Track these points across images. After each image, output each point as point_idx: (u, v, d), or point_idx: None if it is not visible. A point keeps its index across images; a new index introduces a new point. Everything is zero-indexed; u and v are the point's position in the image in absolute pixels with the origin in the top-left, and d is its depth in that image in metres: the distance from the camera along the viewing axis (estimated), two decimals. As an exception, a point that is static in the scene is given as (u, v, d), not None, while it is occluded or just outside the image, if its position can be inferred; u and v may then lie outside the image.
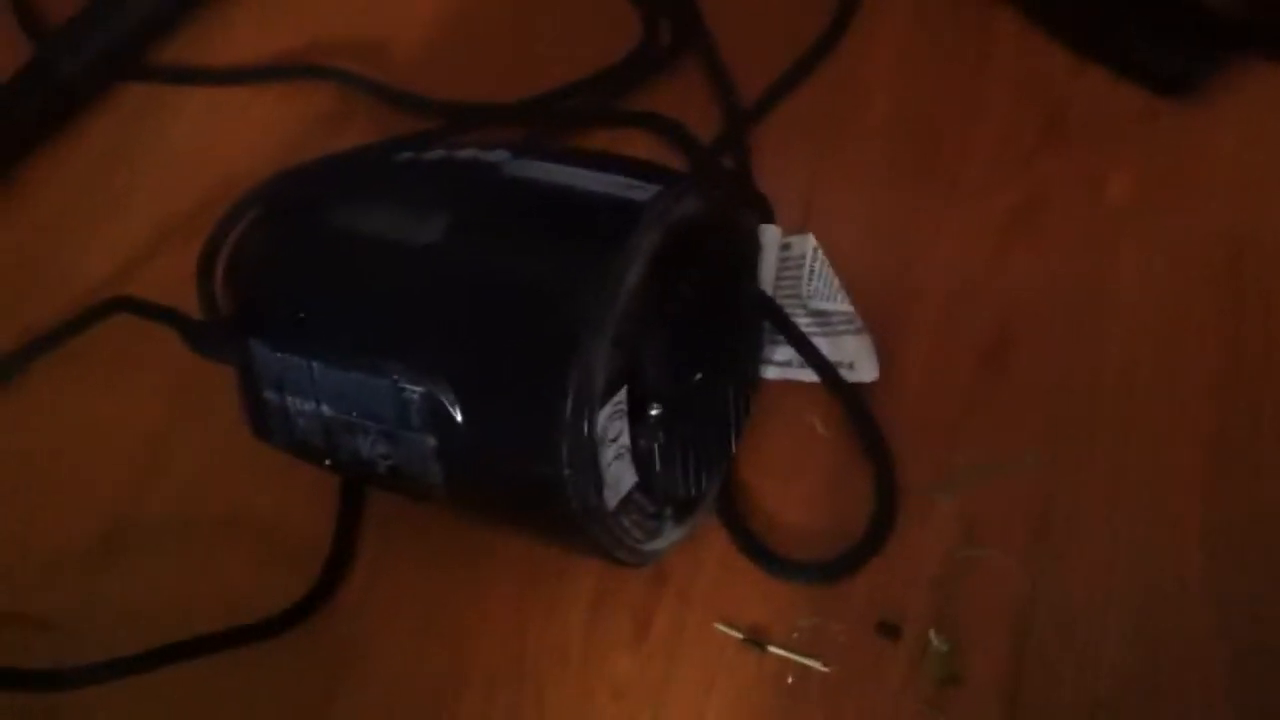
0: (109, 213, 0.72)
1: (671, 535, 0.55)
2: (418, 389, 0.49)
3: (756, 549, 0.56)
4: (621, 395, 0.50)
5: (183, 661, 0.54)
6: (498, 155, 0.54)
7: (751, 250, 0.59)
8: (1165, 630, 0.53)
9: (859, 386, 0.59)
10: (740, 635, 0.54)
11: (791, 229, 0.63)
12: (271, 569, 0.58)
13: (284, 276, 0.54)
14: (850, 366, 0.59)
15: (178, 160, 0.73)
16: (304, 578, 0.57)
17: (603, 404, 0.49)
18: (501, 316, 0.49)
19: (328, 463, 0.54)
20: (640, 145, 0.70)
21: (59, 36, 0.75)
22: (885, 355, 0.60)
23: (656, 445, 0.52)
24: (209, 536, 0.60)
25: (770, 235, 0.62)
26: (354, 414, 0.51)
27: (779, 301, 0.60)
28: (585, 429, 0.48)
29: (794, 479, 0.58)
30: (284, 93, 0.76)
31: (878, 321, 0.61)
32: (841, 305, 0.60)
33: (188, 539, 0.60)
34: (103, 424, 0.64)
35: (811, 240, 0.62)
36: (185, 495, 0.61)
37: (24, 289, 0.69)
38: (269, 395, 0.53)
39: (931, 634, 0.53)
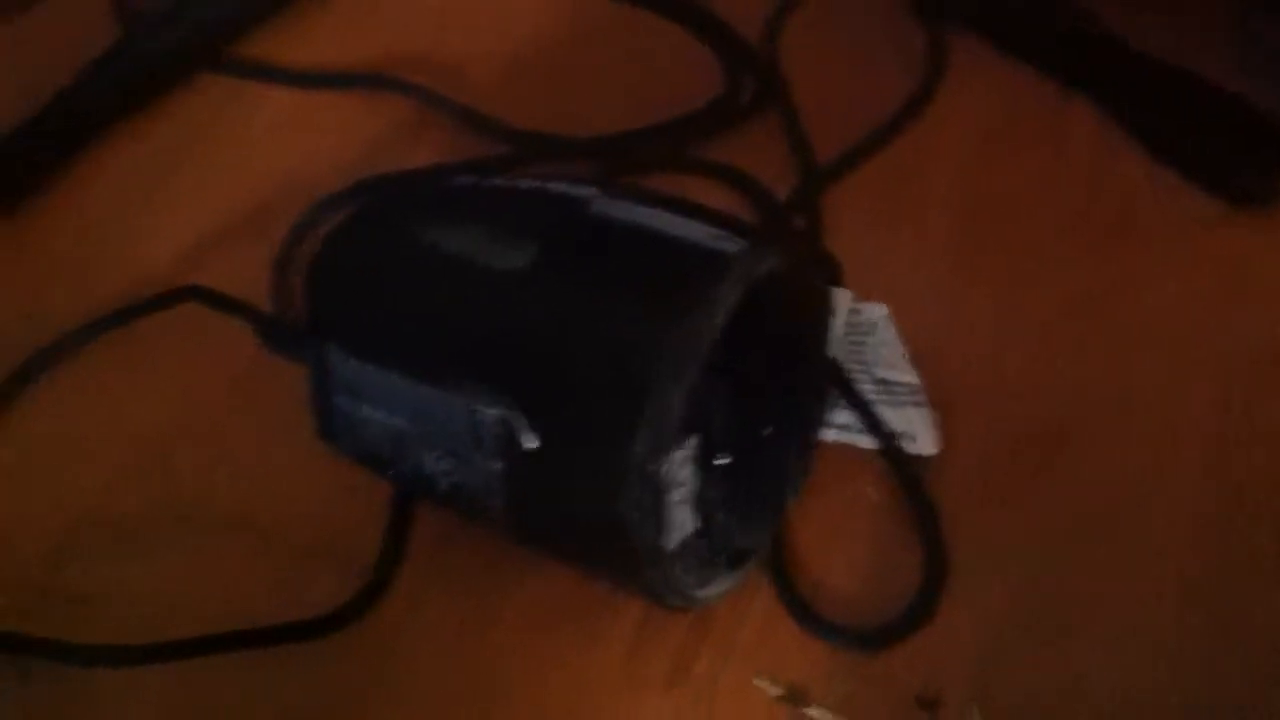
0: (177, 200, 0.72)
1: (722, 584, 0.55)
2: (492, 412, 0.49)
3: (801, 607, 0.56)
4: (692, 442, 0.51)
5: (221, 653, 0.54)
6: (586, 191, 0.54)
7: (822, 312, 0.60)
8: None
9: (917, 459, 0.59)
10: (779, 691, 0.54)
11: (859, 295, 0.64)
12: (313, 573, 0.58)
13: (368, 284, 0.55)
14: (911, 438, 0.59)
15: (253, 155, 0.74)
16: (343, 583, 0.57)
17: (674, 449, 0.49)
18: (584, 351, 0.49)
19: (390, 473, 0.54)
20: (708, 194, 0.70)
21: (148, 17, 0.76)
22: (943, 430, 0.60)
23: (720, 494, 0.53)
24: (255, 533, 0.59)
25: (841, 299, 0.63)
26: (424, 428, 0.52)
27: (845, 365, 0.61)
28: (655, 471, 0.48)
29: (844, 543, 0.58)
30: (362, 101, 0.76)
31: (936, 395, 0.61)
32: (907, 376, 0.61)
33: (230, 535, 0.59)
34: (158, 413, 0.63)
35: (883, 308, 0.62)
36: (233, 491, 0.61)
37: (88, 268, 0.69)
38: (340, 400, 0.53)
39: (974, 710, 0.53)
